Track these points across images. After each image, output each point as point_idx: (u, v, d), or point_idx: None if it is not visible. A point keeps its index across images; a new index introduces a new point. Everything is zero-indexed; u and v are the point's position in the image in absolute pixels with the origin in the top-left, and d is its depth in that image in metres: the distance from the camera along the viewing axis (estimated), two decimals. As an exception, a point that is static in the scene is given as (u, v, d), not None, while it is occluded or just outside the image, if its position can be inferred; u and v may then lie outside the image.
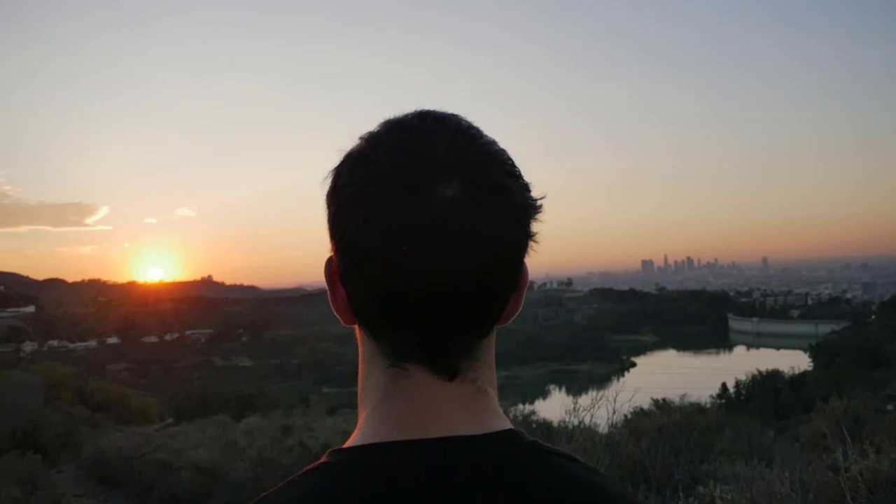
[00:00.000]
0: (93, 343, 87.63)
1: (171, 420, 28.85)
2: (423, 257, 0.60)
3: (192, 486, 11.35)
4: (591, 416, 7.56)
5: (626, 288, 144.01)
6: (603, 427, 7.96)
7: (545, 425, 9.33)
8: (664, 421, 9.18)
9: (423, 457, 0.62)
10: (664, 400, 12.90)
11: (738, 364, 54.53)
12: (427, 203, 0.60)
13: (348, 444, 0.66)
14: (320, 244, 0.69)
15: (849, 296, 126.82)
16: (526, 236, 0.66)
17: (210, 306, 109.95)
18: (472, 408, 0.66)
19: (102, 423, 23.54)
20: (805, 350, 56.35)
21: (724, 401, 33.85)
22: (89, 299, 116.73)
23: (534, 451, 0.65)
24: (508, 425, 0.67)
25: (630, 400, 8.60)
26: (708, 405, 15.47)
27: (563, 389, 54.11)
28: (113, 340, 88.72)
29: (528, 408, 12.61)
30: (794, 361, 47.68)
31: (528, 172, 0.68)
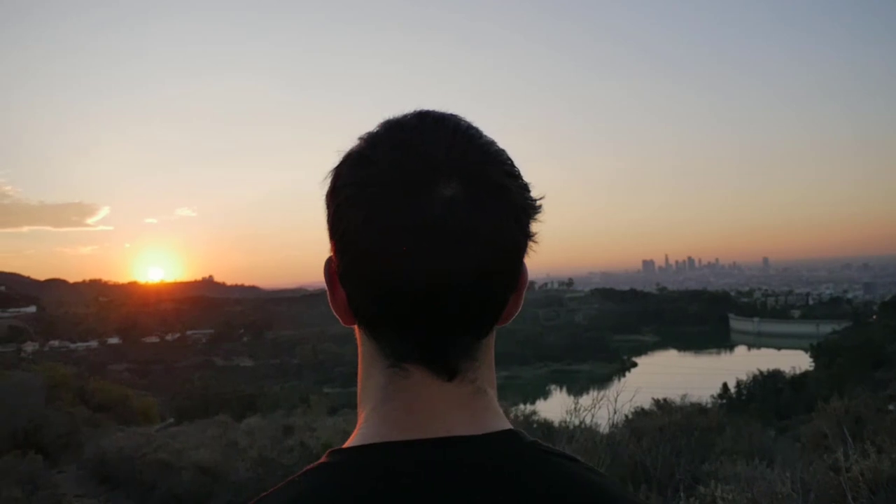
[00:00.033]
0: (94, 343, 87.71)
1: (172, 420, 28.89)
2: (422, 257, 0.60)
3: (193, 486, 11.35)
4: (592, 416, 7.55)
5: (626, 288, 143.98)
6: (604, 427, 7.96)
7: (546, 425, 9.33)
8: (665, 421, 9.17)
9: (423, 457, 0.62)
10: (665, 400, 12.89)
11: (739, 364, 54.52)
12: (426, 203, 0.60)
13: (348, 444, 0.66)
14: (321, 244, 0.69)
15: (850, 296, 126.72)
16: (525, 236, 0.66)
17: (211, 306, 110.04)
18: (472, 408, 0.66)
19: (103, 423, 23.58)
20: (806, 350, 56.34)
21: (725, 401, 33.83)
22: (90, 299, 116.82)
23: (533, 451, 0.65)
24: (508, 425, 0.67)
25: (631, 400, 8.60)
26: (709, 405, 15.45)
27: (564, 389, 54.19)
28: (114, 341, 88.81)
29: (529, 408, 12.64)
30: (796, 361, 47.66)
31: (528, 172, 0.68)
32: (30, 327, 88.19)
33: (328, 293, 0.69)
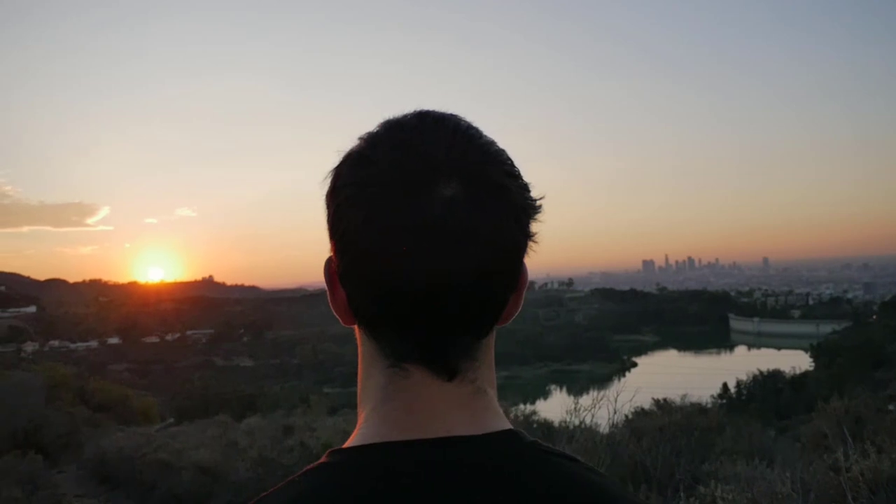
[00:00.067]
0: (94, 343, 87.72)
1: (172, 420, 28.90)
2: (422, 257, 0.60)
3: (193, 486, 11.35)
4: (592, 416, 7.56)
5: (627, 288, 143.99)
6: (604, 427, 7.96)
7: (546, 425, 9.34)
8: (665, 421, 9.17)
9: (423, 457, 0.62)
10: (665, 400, 12.89)
11: (739, 364, 54.53)
12: (426, 203, 0.60)
13: (348, 444, 0.66)
14: (321, 244, 0.69)
15: (850, 296, 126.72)
16: (525, 236, 0.66)
17: (211, 306, 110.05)
18: (472, 408, 0.66)
19: (103, 423, 23.58)
20: (806, 350, 56.35)
21: (725, 401, 33.84)
22: (90, 299, 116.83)
23: (533, 451, 0.65)
24: (508, 425, 0.67)
25: (631, 400, 8.60)
26: (709, 405, 15.45)
27: (564, 389, 54.19)
28: (114, 341, 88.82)
29: (529, 408, 12.64)
30: (796, 361, 47.67)
31: (528, 172, 0.68)
32: (30, 327, 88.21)
33: (328, 293, 0.69)
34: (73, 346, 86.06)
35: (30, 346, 78.34)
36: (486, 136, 0.67)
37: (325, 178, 0.67)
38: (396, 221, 0.60)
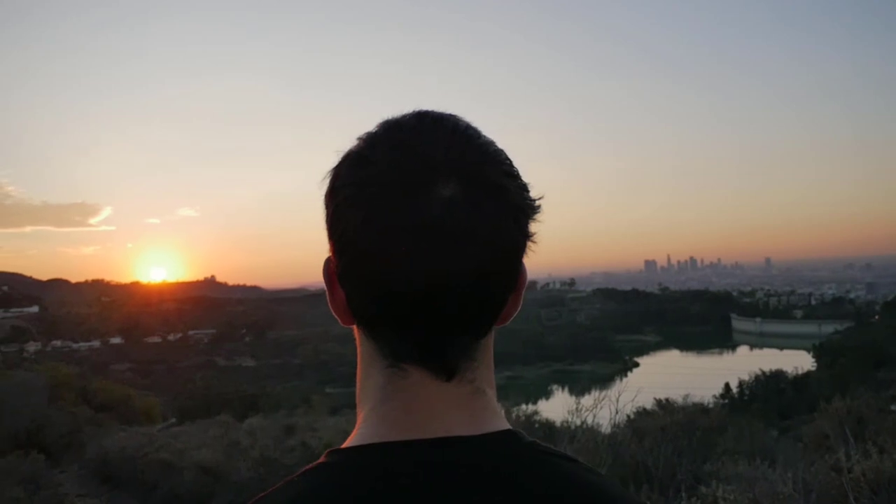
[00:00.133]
0: (96, 343, 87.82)
1: (174, 420, 28.96)
2: (421, 258, 0.60)
3: (195, 485, 11.37)
4: (594, 416, 7.57)
5: (628, 288, 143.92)
6: (606, 427, 7.97)
7: (548, 425, 9.34)
8: (667, 421, 9.17)
9: (421, 457, 0.62)
10: (667, 400, 12.89)
11: (742, 364, 54.51)
12: (425, 203, 0.60)
13: (346, 444, 0.66)
14: (322, 244, 0.69)
15: (852, 296, 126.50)
16: (524, 236, 0.66)
17: (213, 306, 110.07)
18: (470, 408, 0.66)
19: (106, 422, 23.57)
20: (808, 350, 56.32)
21: (727, 401, 33.84)
22: (93, 299, 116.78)
23: (532, 451, 0.65)
24: (507, 426, 0.67)
25: (633, 400, 8.62)
26: (711, 405, 15.47)
27: (566, 389, 54.12)
28: (116, 340, 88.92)
29: (530, 408, 12.65)
30: (798, 361, 47.64)
31: (528, 172, 0.68)
32: (32, 327, 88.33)
33: (327, 293, 0.69)
34: (75, 346, 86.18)
35: (32, 346, 78.52)
36: (484, 136, 0.67)
37: (324, 178, 0.67)
38: (395, 222, 0.60)
